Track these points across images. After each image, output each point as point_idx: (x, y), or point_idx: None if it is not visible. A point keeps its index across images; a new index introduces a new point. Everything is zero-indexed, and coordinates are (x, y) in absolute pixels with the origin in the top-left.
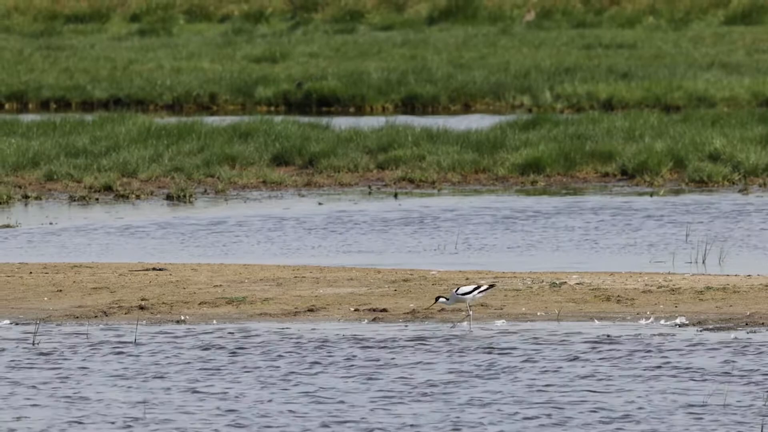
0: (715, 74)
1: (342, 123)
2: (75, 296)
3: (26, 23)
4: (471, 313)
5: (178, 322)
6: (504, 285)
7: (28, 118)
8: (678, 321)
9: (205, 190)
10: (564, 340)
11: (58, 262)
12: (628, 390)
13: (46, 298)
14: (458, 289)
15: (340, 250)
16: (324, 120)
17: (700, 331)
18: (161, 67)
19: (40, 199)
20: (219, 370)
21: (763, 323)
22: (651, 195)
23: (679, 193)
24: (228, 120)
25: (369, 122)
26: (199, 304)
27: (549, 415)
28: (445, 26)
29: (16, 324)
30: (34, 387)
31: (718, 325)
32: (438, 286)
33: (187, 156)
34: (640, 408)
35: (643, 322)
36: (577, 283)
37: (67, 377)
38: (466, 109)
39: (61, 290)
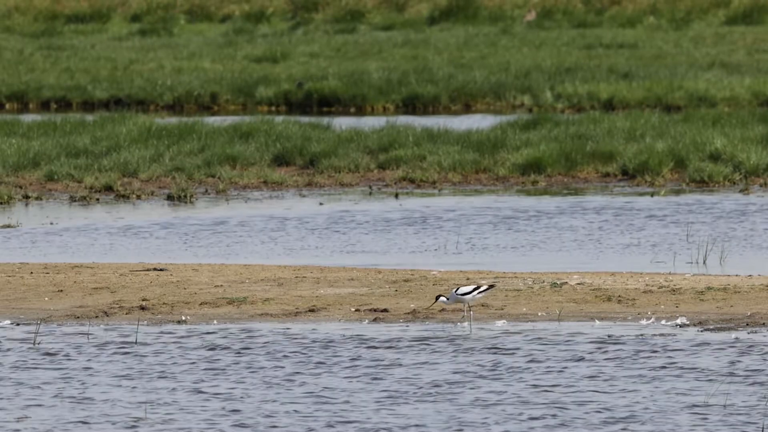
0: (715, 74)
1: (343, 123)
2: (76, 296)
3: (27, 23)
4: (471, 313)
5: (179, 322)
6: (505, 285)
7: (28, 118)
8: (679, 321)
9: (206, 190)
10: (566, 341)
11: (59, 263)
12: (631, 390)
13: (46, 299)
14: (458, 289)
15: (343, 251)
16: (325, 120)
17: (701, 331)
18: (162, 67)
19: (41, 199)
20: (221, 370)
21: (763, 323)
22: (652, 195)
23: (679, 193)
24: (229, 120)
25: (370, 122)
26: (200, 304)
27: (554, 416)
28: (445, 26)
29: (17, 324)
30: (35, 387)
31: (718, 326)
32: (439, 287)
33: (188, 156)
34: (644, 408)
35: (644, 322)
36: (578, 284)
37: (68, 377)
38: (467, 109)
39: (61, 290)
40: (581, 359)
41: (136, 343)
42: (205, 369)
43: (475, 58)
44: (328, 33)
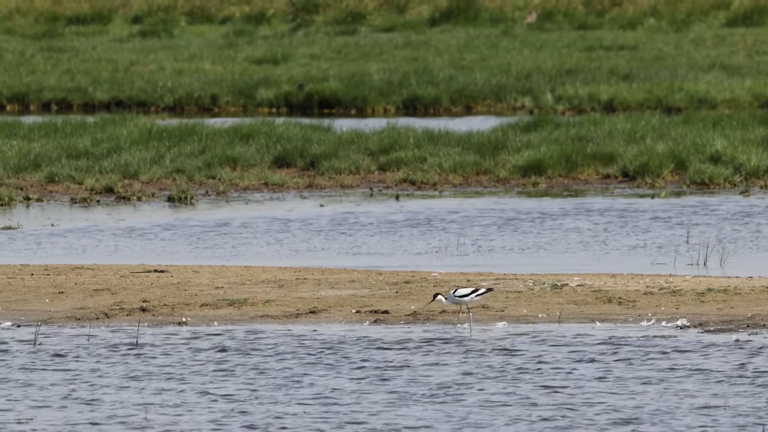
0: (716, 76)
1: (343, 125)
2: (76, 298)
3: (28, 25)
4: (471, 315)
5: (179, 323)
6: (505, 287)
7: (29, 119)
8: (679, 323)
9: (207, 192)
10: (568, 342)
11: (60, 264)
12: (637, 392)
13: (47, 300)
14: (456, 290)
15: (349, 252)
16: (325, 122)
17: (702, 332)
18: (162, 68)
19: (42, 201)
20: (224, 371)
21: (764, 325)
22: (652, 197)
23: (680, 195)
24: (229, 122)
25: (370, 124)
26: (201, 305)
27: (563, 417)
28: (446, 28)
29: (18, 326)
30: (36, 388)
31: (719, 327)
32: (439, 288)
33: (189, 158)
34: (651, 410)
35: (644, 323)
36: (579, 285)
37: (68, 379)
38: (468, 110)
39: (62, 292)
40: (586, 360)
41: (137, 344)
42: (208, 370)
43: (476, 59)
44: (329, 35)
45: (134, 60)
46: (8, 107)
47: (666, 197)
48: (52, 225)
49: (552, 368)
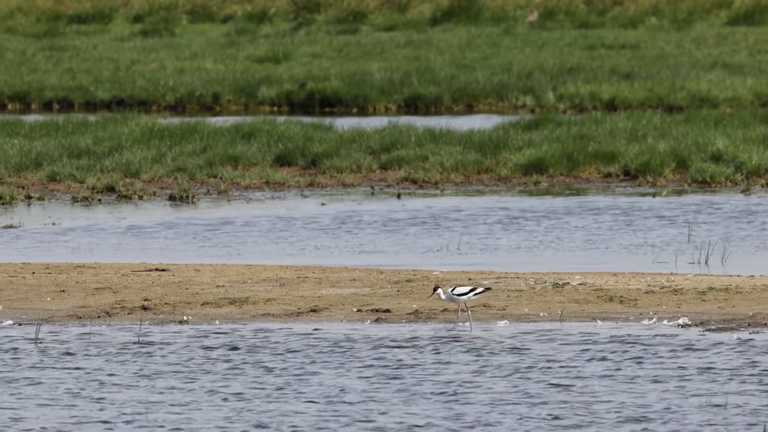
0: (717, 75)
1: (345, 123)
2: (78, 296)
3: (29, 24)
4: (470, 313)
5: (180, 322)
6: (507, 285)
7: (30, 118)
8: (681, 321)
9: (208, 191)
10: (570, 341)
11: (61, 263)
12: (640, 390)
13: (48, 299)
14: (454, 288)
15: (350, 250)
16: (327, 120)
17: (703, 331)
18: (164, 67)
19: (43, 199)
20: (232, 370)
21: (765, 323)
22: (654, 195)
23: (681, 194)
24: (231, 120)
25: (372, 123)
26: (202, 304)
27: (574, 414)
28: (447, 27)
29: (19, 324)
30: (39, 387)
31: (720, 326)
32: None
33: (190, 156)
34: (656, 407)
35: (646, 322)
36: (580, 284)
37: (70, 378)
38: (469, 109)
39: (63, 290)
40: (594, 359)
41: (138, 343)
42: (213, 369)
43: (478, 58)
44: (331, 33)
45: (136, 59)
46: (10, 106)
47: (667, 196)
48: (54, 224)
49: (560, 366)
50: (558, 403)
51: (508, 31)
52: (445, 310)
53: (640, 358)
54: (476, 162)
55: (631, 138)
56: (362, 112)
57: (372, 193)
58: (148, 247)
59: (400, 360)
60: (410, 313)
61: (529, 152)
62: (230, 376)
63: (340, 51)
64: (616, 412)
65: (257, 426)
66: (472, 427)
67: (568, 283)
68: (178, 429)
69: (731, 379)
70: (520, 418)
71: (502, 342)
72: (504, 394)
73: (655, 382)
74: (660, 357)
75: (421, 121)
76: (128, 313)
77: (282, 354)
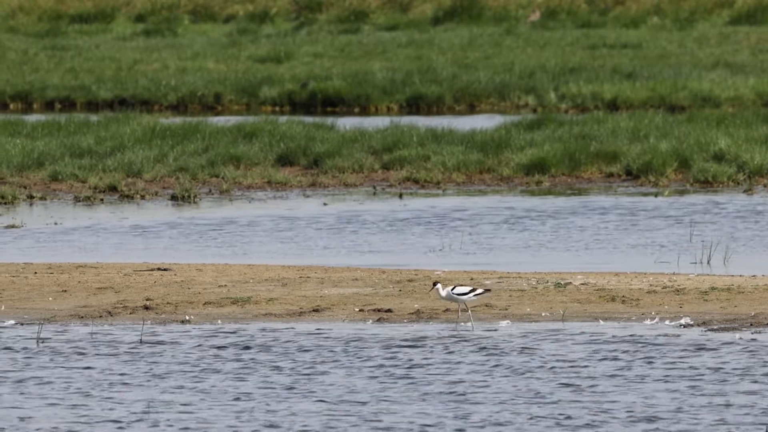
0: (719, 74)
1: (347, 123)
2: (80, 296)
3: (31, 23)
4: (470, 313)
5: (182, 322)
6: (509, 285)
7: (32, 118)
8: (683, 321)
9: (210, 191)
10: (571, 341)
11: (63, 263)
12: (648, 389)
13: (50, 298)
14: (455, 287)
15: (352, 250)
16: (329, 120)
17: (705, 331)
18: (166, 67)
19: (45, 199)
20: (230, 370)
21: (767, 324)
22: (656, 195)
23: (683, 194)
24: (233, 120)
25: (374, 122)
26: (204, 304)
27: (583, 414)
28: (449, 26)
29: (21, 324)
30: (38, 386)
31: (722, 326)
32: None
33: (192, 156)
34: (665, 407)
35: (648, 322)
36: (582, 284)
37: (70, 377)
38: (471, 109)
39: (65, 290)
40: (595, 359)
41: (140, 342)
42: (216, 368)
43: (479, 58)
44: (332, 33)
45: (138, 58)
46: (12, 106)
47: (669, 196)
48: (56, 223)
49: (567, 366)
50: (569, 402)
51: (509, 31)
52: (447, 309)
53: (643, 357)
54: (478, 162)
55: (633, 138)
56: (364, 111)
57: (374, 193)
58: (150, 247)
59: (415, 359)
60: (412, 313)
61: (531, 152)
62: (247, 375)
63: (341, 51)
64: (627, 411)
65: (272, 425)
66: (482, 427)
67: (570, 282)
68: (187, 429)
69: (742, 378)
70: (531, 418)
71: (510, 342)
72: (513, 394)
73: (666, 381)
74: (664, 357)
75: (423, 121)
76: (130, 313)
77: (292, 354)
